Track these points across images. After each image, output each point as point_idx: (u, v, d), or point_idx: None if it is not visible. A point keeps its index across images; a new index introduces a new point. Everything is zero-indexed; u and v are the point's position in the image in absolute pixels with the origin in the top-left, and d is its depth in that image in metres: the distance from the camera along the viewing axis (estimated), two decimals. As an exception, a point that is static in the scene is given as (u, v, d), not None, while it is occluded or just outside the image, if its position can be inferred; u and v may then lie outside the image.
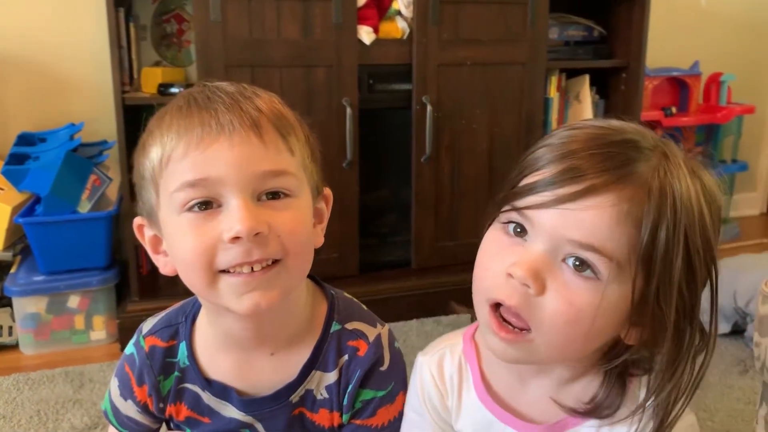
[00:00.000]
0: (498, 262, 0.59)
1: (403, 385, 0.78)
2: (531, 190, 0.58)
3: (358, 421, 0.77)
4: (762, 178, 3.15)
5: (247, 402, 0.76)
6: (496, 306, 0.59)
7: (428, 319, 1.92)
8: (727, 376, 1.59)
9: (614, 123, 0.61)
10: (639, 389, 0.63)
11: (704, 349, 0.60)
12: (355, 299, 0.82)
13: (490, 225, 0.64)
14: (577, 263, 0.56)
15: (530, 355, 0.60)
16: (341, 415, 0.77)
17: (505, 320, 0.59)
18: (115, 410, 0.82)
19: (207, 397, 0.77)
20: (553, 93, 2.20)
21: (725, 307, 1.77)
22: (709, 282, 0.59)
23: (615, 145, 0.57)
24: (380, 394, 0.76)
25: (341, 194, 1.86)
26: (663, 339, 0.58)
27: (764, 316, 0.97)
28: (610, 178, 0.55)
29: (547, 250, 0.57)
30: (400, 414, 0.78)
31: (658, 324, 0.57)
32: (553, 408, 0.66)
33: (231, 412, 0.77)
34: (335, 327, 0.77)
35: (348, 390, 0.76)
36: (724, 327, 1.79)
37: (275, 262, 0.66)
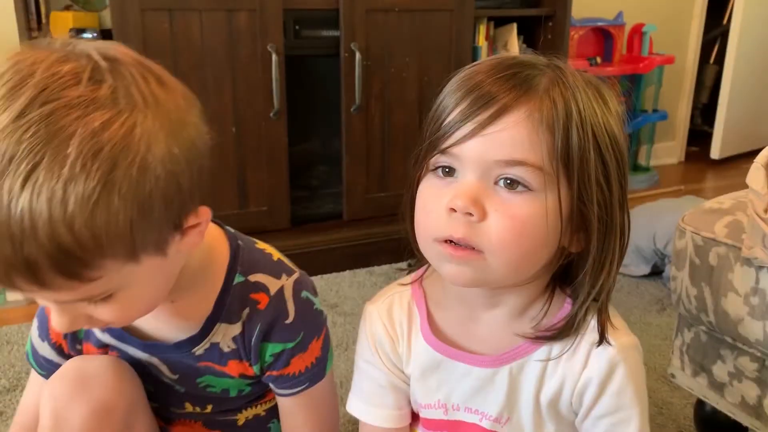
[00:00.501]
0: (437, 203, 0.61)
1: (315, 332, 0.77)
2: (450, 128, 0.61)
3: (274, 372, 0.77)
4: (680, 128, 3.28)
5: (149, 345, 0.75)
6: (447, 242, 0.61)
7: (361, 270, 1.93)
8: (646, 314, 1.67)
9: (507, 54, 0.65)
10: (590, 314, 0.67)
11: (625, 243, 0.65)
12: (267, 249, 0.80)
13: (420, 178, 0.65)
14: (508, 181, 0.59)
15: (486, 275, 0.61)
16: (251, 365, 0.77)
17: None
18: (34, 352, 0.81)
19: (108, 339, 0.77)
20: (482, 42, 2.20)
21: (645, 249, 1.85)
22: (620, 176, 0.63)
23: (514, 66, 0.61)
24: (289, 345, 0.75)
25: (269, 146, 1.81)
26: (592, 234, 0.62)
27: (680, 250, 1.01)
28: (517, 93, 0.59)
29: (479, 177, 0.60)
30: (318, 360, 0.78)
31: (587, 223, 0.61)
32: (503, 341, 0.68)
33: (133, 351, 0.77)
34: (238, 279, 0.74)
35: (251, 343, 0.75)
36: (643, 269, 1.87)
37: None
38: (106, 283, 0.56)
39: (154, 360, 0.77)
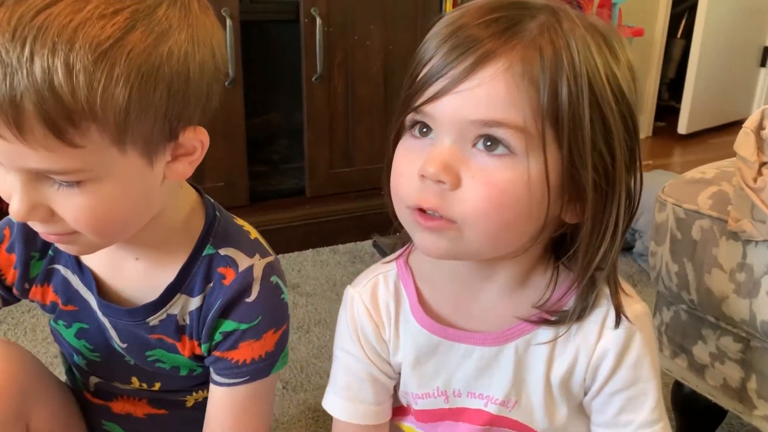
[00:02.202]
0: (410, 167, 0.56)
1: (274, 322, 0.71)
2: (425, 83, 0.54)
3: (218, 353, 0.70)
4: (648, 103, 3.25)
5: (104, 304, 0.71)
6: (418, 211, 0.56)
7: (324, 248, 1.85)
8: (618, 291, 1.63)
9: None
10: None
11: (633, 211, 0.58)
12: (246, 226, 0.75)
13: (398, 138, 0.59)
14: (488, 143, 0.53)
15: (461, 247, 0.56)
16: (200, 344, 0.71)
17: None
18: None
19: (76, 282, 0.72)
20: (449, 9, 2.12)
21: (616, 224, 1.80)
22: (628, 136, 0.55)
23: (502, 8, 0.54)
24: (243, 326, 0.69)
25: (225, 117, 1.71)
26: (586, 204, 0.55)
27: (660, 224, 0.95)
28: (499, 41, 0.51)
29: (454, 140, 0.54)
30: (267, 355, 0.70)
31: (581, 191, 0.54)
32: (505, 316, 0.63)
33: (94, 305, 0.72)
34: (208, 250, 0.69)
35: (207, 319, 0.69)
36: (614, 244, 1.82)
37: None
38: (84, 159, 0.52)
39: (106, 322, 0.72)
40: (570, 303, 0.62)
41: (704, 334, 0.94)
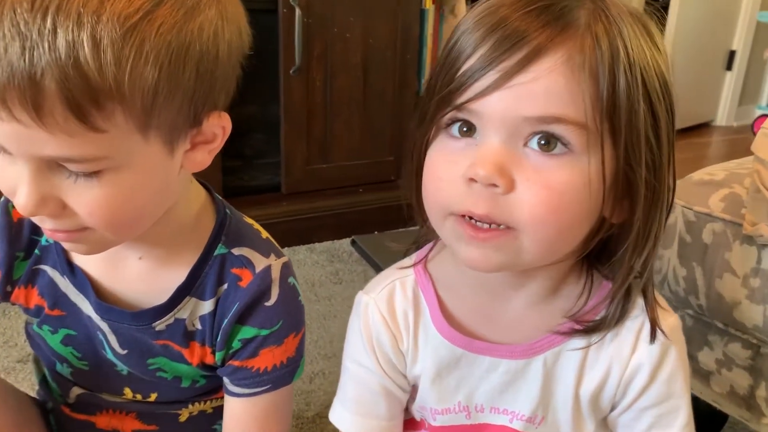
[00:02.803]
0: (451, 171, 0.50)
1: (294, 327, 0.66)
2: (468, 78, 0.49)
3: (237, 362, 0.65)
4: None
5: (104, 307, 0.64)
6: (465, 220, 0.51)
7: (300, 247, 1.79)
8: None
9: None
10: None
11: (670, 209, 0.55)
12: (256, 225, 0.70)
13: (429, 141, 0.54)
14: (543, 142, 0.48)
15: (517, 257, 0.51)
16: (213, 353, 0.66)
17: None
18: None
19: (65, 285, 0.65)
20: (429, 5, 2.08)
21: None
22: (670, 129, 0.53)
23: None
24: (264, 332, 0.64)
25: (199, 109, 1.63)
26: (637, 202, 0.51)
27: (667, 226, 0.91)
28: (552, 31, 0.47)
29: (505, 140, 0.49)
30: (289, 361, 0.66)
31: (633, 189, 0.51)
32: (533, 327, 0.59)
33: (88, 309, 0.65)
34: (220, 250, 0.64)
35: (222, 325, 0.64)
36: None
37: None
38: (105, 146, 0.48)
39: (104, 327, 0.65)
40: (603, 312, 0.58)
41: (711, 340, 0.92)
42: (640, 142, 0.49)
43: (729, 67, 3.45)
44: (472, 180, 0.49)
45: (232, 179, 1.81)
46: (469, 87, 0.49)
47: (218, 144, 0.57)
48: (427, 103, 0.53)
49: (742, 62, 3.45)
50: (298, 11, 1.67)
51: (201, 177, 1.88)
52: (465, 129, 0.51)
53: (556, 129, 0.47)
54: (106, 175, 0.50)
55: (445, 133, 0.52)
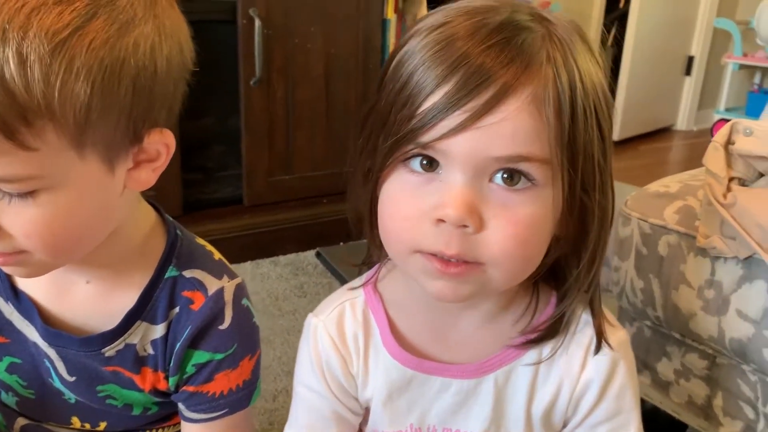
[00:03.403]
0: (415, 207, 0.50)
1: (249, 350, 0.65)
2: (432, 118, 0.47)
3: (191, 388, 0.64)
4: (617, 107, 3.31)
5: (51, 333, 0.62)
6: (434, 257, 0.50)
7: (264, 260, 1.77)
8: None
9: (476, 2, 0.50)
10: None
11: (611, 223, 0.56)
12: (208, 246, 0.68)
13: (381, 176, 0.53)
14: (506, 176, 0.48)
15: (484, 287, 0.52)
16: (167, 378, 0.64)
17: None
18: None
19: (10, 312, 0.64)
20: (391, 14, 2.07)
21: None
22: (611, 149, 0.53)
23: (503, 28, 0.48)
24: (218, 356, 0.63)
25: (157, 122, 1.60)
26: (591, 223, 0.52)
27: (624, 239, 0.92)
28: (518, 69, 0.46)
29: (470, 177, 0.48)
30: (245, 384, 0.65)
31: (586, 211, 0.51)
32: (483, 346, 0.59)
33: (34, 336, 0.63)
34: (171, 272, 0.63)
35: (175, 349, 0.63)
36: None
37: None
38: (38, 164, 0.46)
39: (52, 353, 0.63)
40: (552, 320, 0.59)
41: (669, 351, 0.93)
42: (594, 167, 0.50)
43: (688, 72, 3.52)
44: (440, 221, 0.48)
45: (193, 192, 1.78)
46: (434, 126, 0.47)
47: (162, 162, 0.56)
48: (378, 134, 0.52)
49: (701, 67, 3.52)
50: (257, 22, 1.66)
51: (161, 190, 1.83)
52: (426, 163, 0.49)
53: (522, 166, 0.48)
54: (42, 195, 0.48)
55: (404, 167, 0.51)
